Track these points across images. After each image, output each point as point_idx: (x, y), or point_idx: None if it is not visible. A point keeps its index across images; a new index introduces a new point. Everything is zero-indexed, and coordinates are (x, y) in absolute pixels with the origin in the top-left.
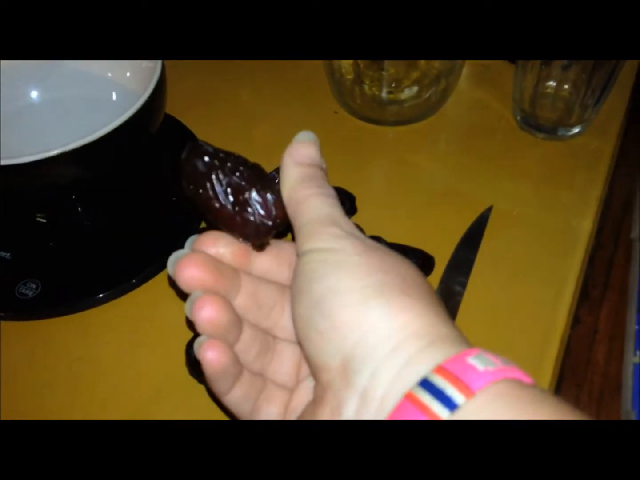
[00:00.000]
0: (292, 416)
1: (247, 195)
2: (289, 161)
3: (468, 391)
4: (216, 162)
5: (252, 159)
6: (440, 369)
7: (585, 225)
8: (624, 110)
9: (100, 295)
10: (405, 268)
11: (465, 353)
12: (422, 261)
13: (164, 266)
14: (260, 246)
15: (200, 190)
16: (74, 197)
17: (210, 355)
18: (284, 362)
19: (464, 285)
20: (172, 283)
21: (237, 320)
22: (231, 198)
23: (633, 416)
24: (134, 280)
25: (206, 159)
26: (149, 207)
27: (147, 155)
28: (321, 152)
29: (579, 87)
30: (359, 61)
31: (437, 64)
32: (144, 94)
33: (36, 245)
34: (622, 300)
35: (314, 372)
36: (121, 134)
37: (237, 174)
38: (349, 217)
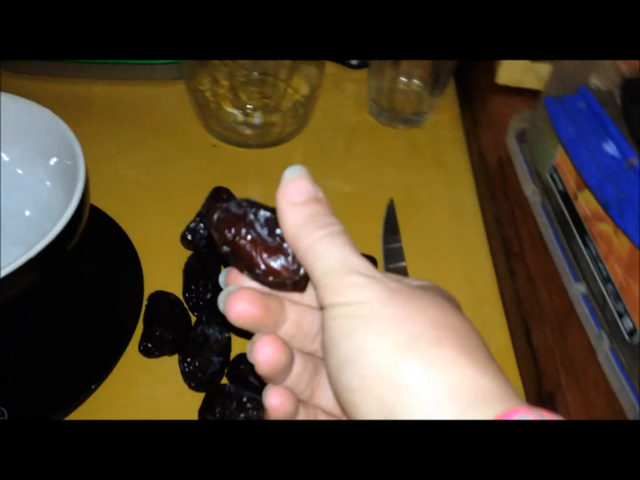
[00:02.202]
0: None
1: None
2: (284, 205)
3: None
4: (248, 210)
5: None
6: None
7: (468, 189)
8: (454, 86)
9: (68, 404)
10: (435, 309)
11: (507, 415)
12: None
13: (118, 357)
14: (295, 288)
15: (236, 238)
16: None
17: (275, 402)
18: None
19: (405, 271)
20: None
21: (292, 357)
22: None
23: (604, 336)
24: (92, 386)
25: (238, 206)
26: (85, 304)
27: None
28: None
29: (426, 80)
30: (239, 90)
31: (303, 82)
32: (65, 212)
33: None
34: (537, 248)
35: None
36: (41, 257)
37: (263, 221)
38: None
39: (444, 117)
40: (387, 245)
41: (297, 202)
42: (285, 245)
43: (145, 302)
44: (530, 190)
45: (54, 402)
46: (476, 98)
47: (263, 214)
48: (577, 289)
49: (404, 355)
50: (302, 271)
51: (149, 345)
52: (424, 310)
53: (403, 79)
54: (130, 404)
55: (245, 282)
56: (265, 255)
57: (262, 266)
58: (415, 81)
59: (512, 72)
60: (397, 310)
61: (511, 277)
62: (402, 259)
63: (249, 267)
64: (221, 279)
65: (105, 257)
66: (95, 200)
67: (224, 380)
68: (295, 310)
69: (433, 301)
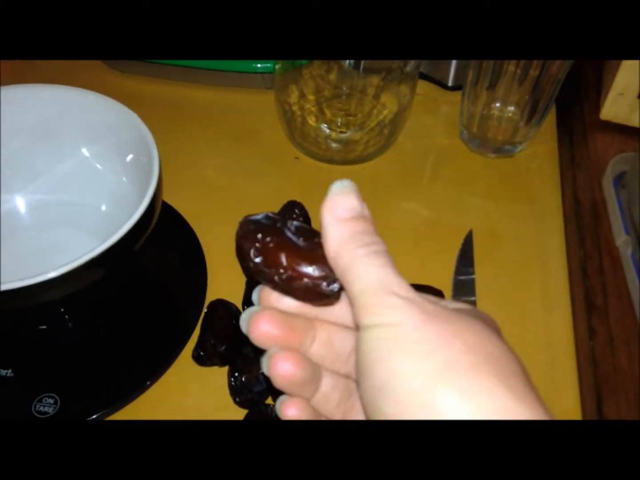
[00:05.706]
0: None
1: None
2: (329, 219)
3: None
4: (278, 220)
5: None
6: None
7: (556, 230)
8: (555, 118)
9: (118, 401)
10: (472, 334)
11: None
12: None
13: (172, 360)
14: (325, 300)
15: (266, 239)
16: (62, 309)
17: (291, 413)
18: None
19: (474, 304)
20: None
21: (315, 374)
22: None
23: None
24: (148, 382)
25: (268, 219)
26: (148, 302)
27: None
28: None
29: (522, 107)
30: (324, 105)
31: (392, 100)
32: (135, 212)
33: (39, 357)
34: (623, 305)
35: None
36: (114, 250)
37: (294, 230)
38: None
39: (539, 149)
40: (459, 276)
41: (342, 218)
42: (318, 253)
43: (205, 309)
44: (621, 240)
45: (107, 395)
46: (577, 133)
47: (294, 223)
48: None
49: (439, 382)
50: (334, 285)
51: (202, 353)
52: (460, 335)
53: (498, 104)
54: (176, 411)
55: (276, 301)
56: (297, 261)
57: (291, 272)
58: (511, 108)
59: (619, 108)
60: (433, 334)
61: (589, 333)
62: (473, 293)
63: (279, 274)
64: (254, 296)
65: (173, 257)
66: (171, 199)
67: (270, 400)
68: (325, 329)
69: (470, 325)
